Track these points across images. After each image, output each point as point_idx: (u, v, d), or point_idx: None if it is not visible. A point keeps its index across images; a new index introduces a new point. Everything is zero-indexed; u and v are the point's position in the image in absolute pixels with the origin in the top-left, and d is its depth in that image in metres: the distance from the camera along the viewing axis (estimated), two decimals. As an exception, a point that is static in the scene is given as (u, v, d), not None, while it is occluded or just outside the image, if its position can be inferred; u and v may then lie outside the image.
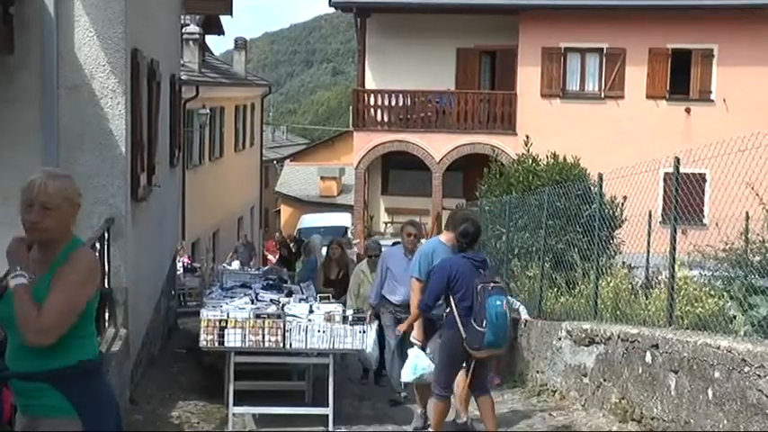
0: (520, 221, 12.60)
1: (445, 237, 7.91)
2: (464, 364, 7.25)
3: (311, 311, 8.40)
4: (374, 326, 9.03)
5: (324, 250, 13.43)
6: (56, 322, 3.42)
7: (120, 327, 7.75)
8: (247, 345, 8.09)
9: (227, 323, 8.10)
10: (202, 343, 8.21)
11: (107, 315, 7.50)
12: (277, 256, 19.97)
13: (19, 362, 3.46)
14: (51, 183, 3.53)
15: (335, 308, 8.55)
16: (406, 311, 8.20)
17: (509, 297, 8.14)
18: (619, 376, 7.74)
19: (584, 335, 8.49)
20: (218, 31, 25.24)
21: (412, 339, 7.76)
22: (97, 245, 7.01)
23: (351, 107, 27.20)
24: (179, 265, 16.75)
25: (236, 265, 17.49)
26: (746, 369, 5.83)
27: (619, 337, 7.80)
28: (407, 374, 7.67)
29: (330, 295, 9.73)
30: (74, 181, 3.70)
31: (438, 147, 24.26)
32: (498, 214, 13.38)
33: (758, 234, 8.68)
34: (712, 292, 8.12)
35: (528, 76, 24.18)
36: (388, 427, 8.33)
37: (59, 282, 3.46)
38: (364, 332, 8.51)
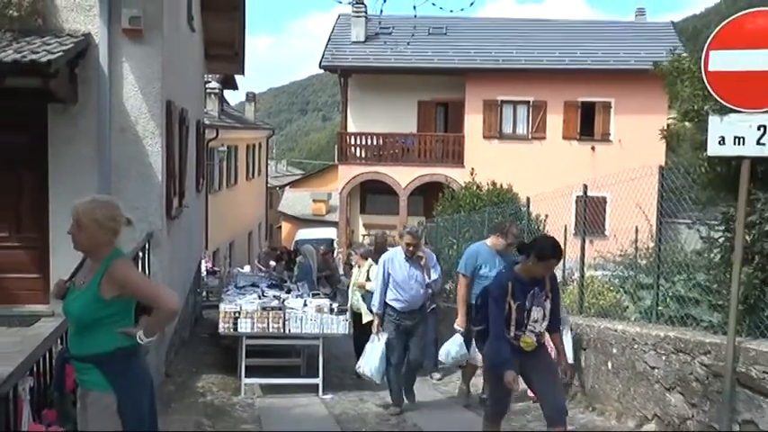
0: (467, 234, 12.66)
1: (490, 241, 7.10)
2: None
3: (305, 305, 8.43)
4: (383, 337, 7.11)
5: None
6: (163, 289, 3.45)
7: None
8: (255, 330, 8.12)
9: (240, 314, 8.14)
10: (221, 329, 8.23)
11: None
12: (274, 262, 19.84)
13: (74, 346, 3.43)
14: (82, 205, 3.38)
15: (324, 302, 8.57)
16: (410, 318, 7.05)
17: None
18: (542, 352, 7.79)
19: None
20: (234, 86, 24.96)
21: (456, 327, 7.03)
22: (140, 253, 7.02)
23: (336, 146, 27.20)
24: (203, 268, 16.61)
25: (247, 268, 17.39)
26: (636, 346, 5.95)
27: (542, 322, 7.84)
28: (445, 356, 7.03)
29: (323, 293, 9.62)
30: (114, 208, 3.43)
31: (404, 177, 24.26)
32: (450, 228, 13.45)
33: (644, 243, 8.80)
34: (611, 288, 8.21)
35: (473, 122, 24.31)
36: (365, 392, 8.32)
37: (130, 286, 3.36)
38: (347, 320, 8.46)
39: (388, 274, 7.06)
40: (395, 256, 7.16)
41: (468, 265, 6.98)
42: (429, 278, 7.08)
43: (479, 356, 6.74)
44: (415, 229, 7.37)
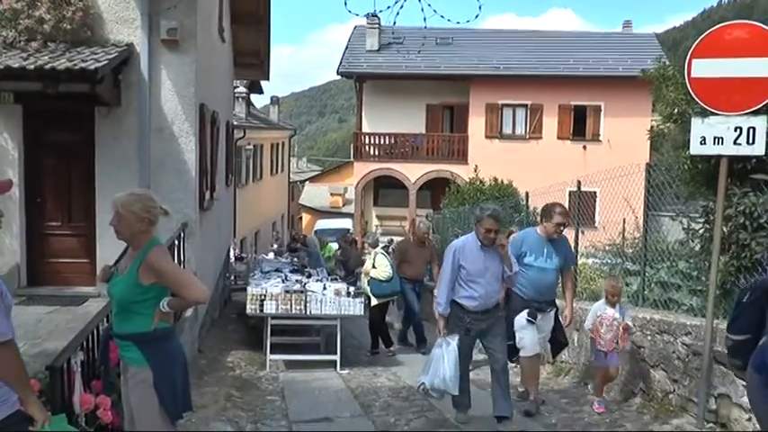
0: (471, 225, 12.66)
1: (540, 228, 5.87)
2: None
3: (324, 288, 8.45)
4: (454, 341, 5.18)
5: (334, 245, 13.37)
6: (193, 281, 3.36)
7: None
8: (279, 311, 8.14)
9: (265, 296, 8.15)
10: (248, 310, 8.25)
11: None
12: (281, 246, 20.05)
13: (117, 325, 3.43)
14: (121, 198, 3.36)
15: (341, 286, 8.59)
16: (482, 319, 5.25)
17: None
18: (538, 332, 7.74)
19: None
20: (259, 91, 25.06)
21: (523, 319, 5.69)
22: (175, 242, 7.07)
23: (352, 144, 27.19)
24: (231, 255, 16.69)
25: (271, 255, 17.44)
26: (624, 327, 5.90)
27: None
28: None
29: (338, 276, 9.64)
30: (150, 200, 3.40)
31: (413, 173, 24.21)
32: (456, 219, 13.45)
33: (631, 234, 8.76)
34: (602, 274, 8.18)
35: (476, 123, 24.22)
36: (378, 368, 8.35)
37: (161, 274, 3.28)
38: (363, 303, 8.43)
39: (459, 266, 5.23)
40: (466, 244, 5.33)
41: (512, 252, 5.47)
42: (510, 270, 5.28)
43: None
44: (497, 211, 5.32)
